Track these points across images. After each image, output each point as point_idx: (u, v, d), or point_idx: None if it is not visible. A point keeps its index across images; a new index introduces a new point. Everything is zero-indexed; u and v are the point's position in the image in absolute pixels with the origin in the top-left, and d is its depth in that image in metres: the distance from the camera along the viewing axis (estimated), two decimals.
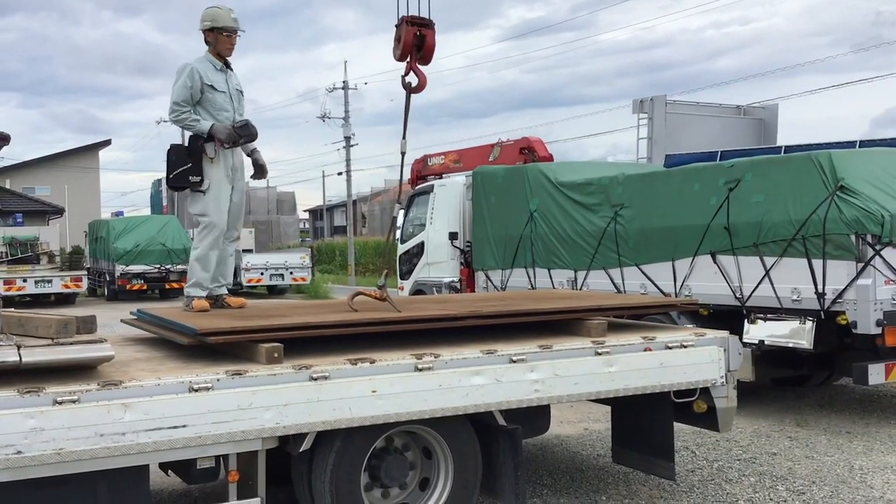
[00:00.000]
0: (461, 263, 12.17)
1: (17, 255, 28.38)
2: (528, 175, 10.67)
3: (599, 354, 5.06)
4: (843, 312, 7.13)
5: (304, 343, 4.63)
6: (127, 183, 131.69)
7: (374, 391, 4.36)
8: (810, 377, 8.99)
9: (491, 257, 11.26)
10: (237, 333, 4.39)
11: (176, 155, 5.89)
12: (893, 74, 70.48)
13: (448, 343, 4.94)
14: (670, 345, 5.32)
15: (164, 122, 56.18)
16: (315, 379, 4.24)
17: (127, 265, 27.35)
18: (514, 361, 4.79)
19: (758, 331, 7.83)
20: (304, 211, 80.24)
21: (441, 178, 14.45)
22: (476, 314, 5.12)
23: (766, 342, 7.75)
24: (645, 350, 5.24)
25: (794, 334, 7.54)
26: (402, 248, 13.62)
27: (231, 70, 6.07)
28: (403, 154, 6.03)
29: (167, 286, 28.06)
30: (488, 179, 11.46)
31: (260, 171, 6.29)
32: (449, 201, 12.54)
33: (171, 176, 5.89)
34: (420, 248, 13.06)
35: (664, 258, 8.70)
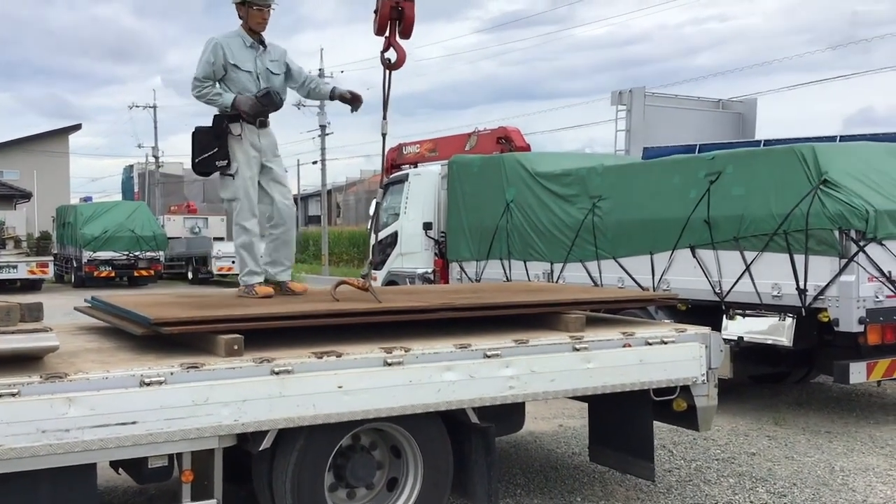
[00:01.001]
0: (435, 254, 11.94)
1: None
2: (505, 165, 10.44)
3: (577, 350, 4.85)
4: (825, 309, 6.97)
5: (266, 335, 4.38)
6: (99, 168, 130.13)
7: (339, 387, 4.12)
8: (788, 374, 8.86)
9: (465, 248, 11.02)
10: (194, 324, 4.12)
11: (202, 138, 5.63)
12: (869, 72, 70.89)
13: (419, 336, 4.70)
14: (650, 341, 5.12)
15: (137, 107, 55.43)
16: (277, 373, 4.00)
17: (94, 251, 26.88)
18: (489, 357, 4.57)
19: (736, 327, 7.67)
20: None
21: (416, 167, 14.19)
22: (449, 306, 4.88)
23: (744, 339, 7.59)
24: (624, 346, 5.04)
25: (774, 331, 7.38)
26: (375, 238, 13.34)
27: (264, 47, 5.69)
28: (384, 135, 5.75)
29: (136, 273, 27.59)
30: (464, 169, 11.22)
31: (353, 101, 5.85)
32: (424, 191, 12.29)
33: (197, 161, 5.65)
34: (394, 237, 12.81)
35: (642, 251, 8.51)
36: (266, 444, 4.04)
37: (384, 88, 5.62)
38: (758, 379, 9.07)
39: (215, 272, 28.27)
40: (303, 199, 72.07)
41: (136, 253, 27.44)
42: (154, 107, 54.97)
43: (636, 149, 13.89)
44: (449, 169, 11.51)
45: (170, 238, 30.89)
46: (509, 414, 5.13)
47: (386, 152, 15.71)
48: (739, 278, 7.59)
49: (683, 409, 5.33)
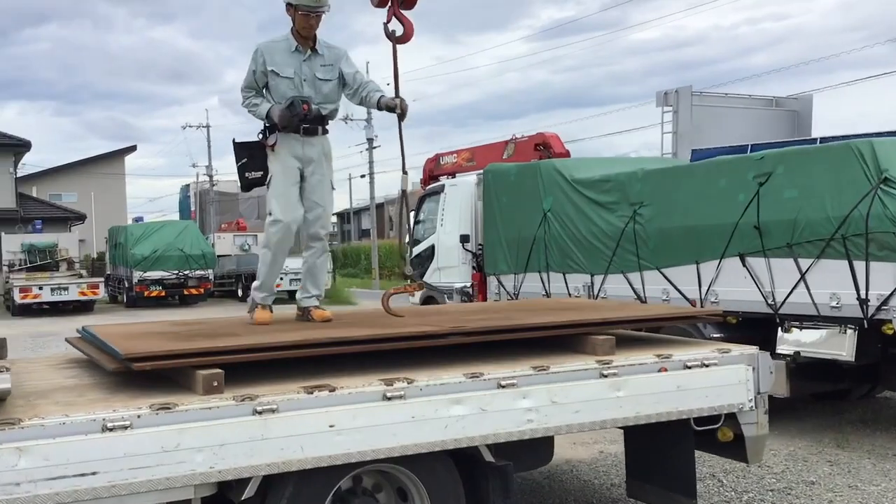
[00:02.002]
0: (473, 268, 11.46)
1: (35, 263, 28.13)
2: (542, 172, 9.92)
3: (605, 376, 4.35)
4: (890, 321, 6.33)
5: (255, 369, 3.96)
6: (158, 188, 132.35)
7: (331, 426, 3.69)
8: (850, 390, 8.17)
9: (503, 261, 10.52)
10: (168, 358, 3.71)
11: (237, 150, 5.34)
12: None
13: (428, 365, 4.25)
14: (689, 364, 4.59)
15: (190, 126, 56.12)
16: (259, 412, 3.57)
17: (145, 271, 27.00)
18: (503, 387, 4.09)
19: (793, 341, 7.04)
20: (333, 214, 79.67)
21: (454, 177, 13.75)
22: (460, 330, 4.40)
23: (801, 354, 6.96)
24: (660, 370, 4.52)
25: (834, 345, 6.75)
26: (412, 252, 12.94)
27: (318, 52, 5.20)
28: (400, 116, 5.26)
29: (185, 292, 27.68)
30: (500, 178, 10.73)
31: (396, 111, 5.23)
32: (460, 202, 11.85)
33: (238, 174, 5.39)
34: (431, 251, 12.38)
35: (688, 261, 7.92)
36: (249, 492, 3.61)
37: (394, 63, 5.23)
38: (818, 395, 8.40)
39: None
40: (355, 213, 72.31)
41: (186, 272, 27.51)
42: (207, 126, 55.53)
43: (684, 151, 13.24)
44: (484, 178, 11.03)
45: (220, 256, 30.96)
46: (533, 448, 4.60)
47: (424, 163, 15.29)
48: (794, 288, 6.97)
49: (730, 440, 4.79)
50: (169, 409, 3.45)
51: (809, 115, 15.09)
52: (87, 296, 26.02)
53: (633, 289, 8.54)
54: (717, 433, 4.76)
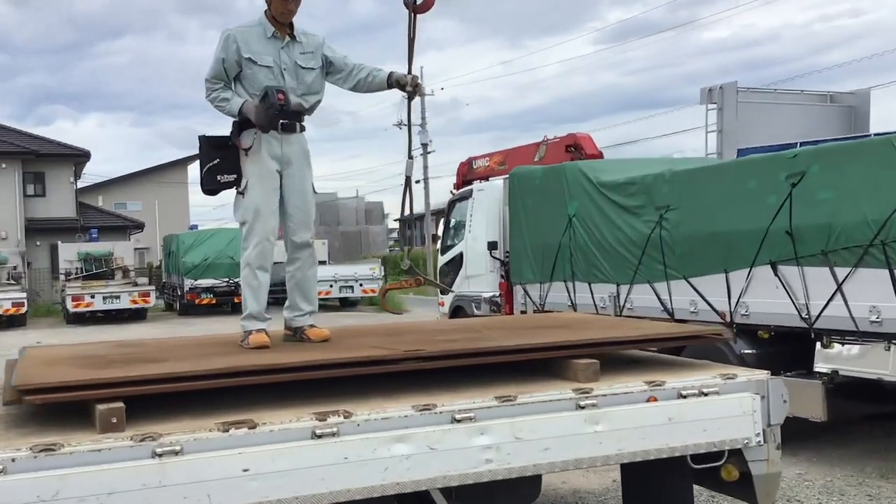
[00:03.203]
0: (501, 276, 10.90)
1: (91, 271, 28.45)
2: (567, 175, 9.32)
3: (582, 408, 3.80)
4: None
5: (172, 402, 3.51)
6: (226, 196, 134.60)
7: (245, 470, 3.21)
8: None
9: (529, 269, 9.94)
10: (62, 391, 3.28)
11: (205, 148, 4.76)
12: None
13: (377, 394, 3.76)
14: (684, 392, 4.01)
15: None
16: (159, 455, 3.11)
17: (196, 279, 27.07)
18: (458, 421, 3.58)
19: (831, 358, 6.34)
20: (395, 220, 79.77)
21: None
22: (415, 355, 3.88)
23: (839, 372, 6.26)
24: (648, 400, 3.94)
25: (875, 363, 6.04)
26: (441, 260, 12.45)
27: (296, 40, 4.75)
28: (410, 94, 4.88)
29: (236, 300, 27.59)
30: (526, 181, 10.15)
31: (407, 89, 4.85)
32: (488, 207, 11.30)
33: (202, 176, 4.76)
34: (460, 258, 11.86)
35: (716, 269, 7.25)
36: None
37: (409, 34, 4.86)
38: (869, 415, 7.63)
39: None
40: (418, 220, 72.17)
41: (237, 279, 27.37)
42: None
43: (730, 150, 12.46)
44: (510, 182, 10.46)
45: (275, 263, 30.90)
46: (511, 487, 4.04)
47: (458, 167, 14.75)
48: (830, 300, 6.26)
49: (736, 479, 4.17)
50: (52, 450, 3.02)
51: (867, 111, 14.10)
52: (138, 304, 26.22)
53: (659, 300, 7.89)
54: (721, 471, 4.15)
